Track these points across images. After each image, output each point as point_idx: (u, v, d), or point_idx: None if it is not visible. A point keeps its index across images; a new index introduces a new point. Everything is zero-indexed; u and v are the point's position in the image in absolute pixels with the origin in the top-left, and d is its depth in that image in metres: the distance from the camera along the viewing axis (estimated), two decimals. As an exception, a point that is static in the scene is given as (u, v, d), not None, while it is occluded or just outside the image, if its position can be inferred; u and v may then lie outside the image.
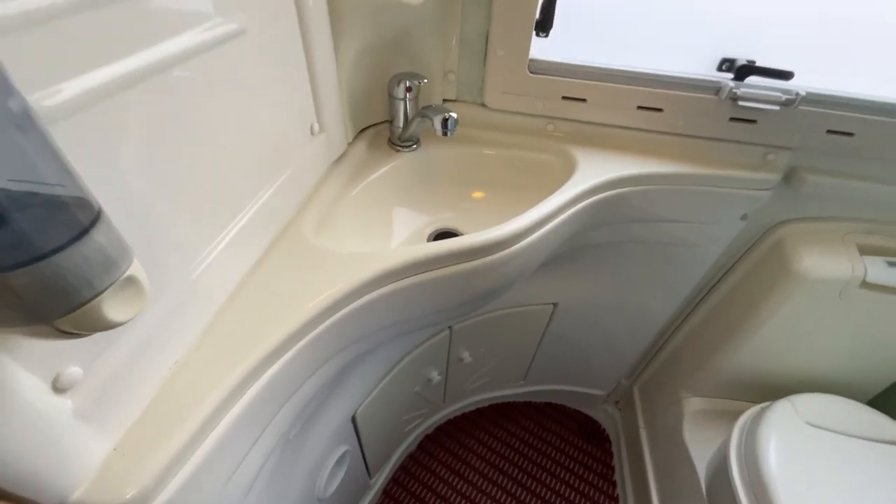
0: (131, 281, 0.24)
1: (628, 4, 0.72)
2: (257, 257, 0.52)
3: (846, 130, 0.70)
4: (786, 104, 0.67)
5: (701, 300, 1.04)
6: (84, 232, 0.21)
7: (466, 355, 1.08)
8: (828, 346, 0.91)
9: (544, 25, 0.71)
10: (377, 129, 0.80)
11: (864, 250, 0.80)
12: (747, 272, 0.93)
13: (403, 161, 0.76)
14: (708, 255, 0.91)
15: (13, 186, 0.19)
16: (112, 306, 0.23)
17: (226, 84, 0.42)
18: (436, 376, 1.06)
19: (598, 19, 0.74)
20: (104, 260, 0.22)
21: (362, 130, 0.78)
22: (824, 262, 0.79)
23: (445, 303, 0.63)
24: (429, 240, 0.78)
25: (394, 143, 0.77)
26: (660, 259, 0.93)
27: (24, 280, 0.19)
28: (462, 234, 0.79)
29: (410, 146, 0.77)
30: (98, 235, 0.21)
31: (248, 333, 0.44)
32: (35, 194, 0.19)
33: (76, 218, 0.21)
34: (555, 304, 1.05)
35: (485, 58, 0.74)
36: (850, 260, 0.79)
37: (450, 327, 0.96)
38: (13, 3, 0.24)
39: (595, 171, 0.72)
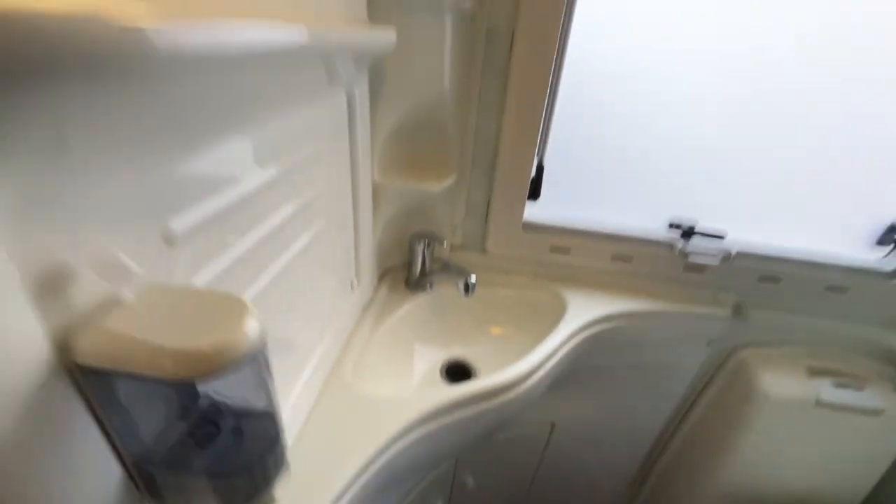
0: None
1: (601, 175, 0.92)
2: (311, 406, 0.59)
3: (774, 277, 0.89)
4: (724, 259, 0.86)
5: (682, 419, 1.13)
6: (280, 435, 0.30)
7: (470, 480, 1.09)
8: (804, 461, 0.99)
9: (534, 194, 0.90)
10: (395, 272, 0.93)
11: (813, 372, 0.94)
12: (719, 391, 1.04)
13: (419, 302, 0.88)
14: (684, 375, 1.02)
15: (251, 405, 0.29)
16: (277, 487, 0.31)
17: (306, 267, 0.54)
18: (440, 505, 1.05)
19: (577, 184, 0.93)
20: (283, 451, 0.31)
21: (384, 273, 0.91)
22: (782, 384, 0.92)
23: (464, 439, 0.70)
24: (441, 372, 0.86)
25: (410, 286, 0.90)
26: (643, 379, 1.03)
27: (240, 480, 0.28)
28: (470, 365, 0.88)
29: (425, 288, 0.90)
30: (284, 436, 0.30)
31: (308, 490, 0.49)
32: (261, 412, 0.29)
33: (276, 425, 0.30)
34: (552, 425, 1.11)
35: (486, 218, 0.91)
36: (802, 382, 0.92)
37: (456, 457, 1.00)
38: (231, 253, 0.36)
39: (583, 309, 0.86)
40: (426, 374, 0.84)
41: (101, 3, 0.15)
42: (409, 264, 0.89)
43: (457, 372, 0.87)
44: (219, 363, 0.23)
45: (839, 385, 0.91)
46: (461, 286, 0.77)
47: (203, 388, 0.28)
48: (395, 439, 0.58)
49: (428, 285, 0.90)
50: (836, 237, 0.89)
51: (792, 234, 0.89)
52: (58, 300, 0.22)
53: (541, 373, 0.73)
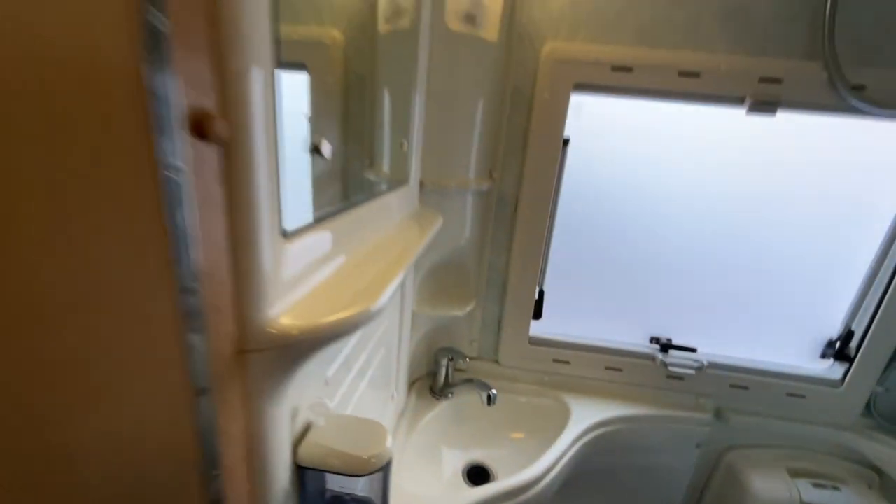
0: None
1: (591, 296, 1.13)
2: None
3: (742, 385, 1.05)
4: (698, 369, 1.03)
5: (688, 520, 1.19)
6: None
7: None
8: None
9: (537, 314, 1.10)
10: (421, 381, 1.09)
11: (793, 473, 1.05)
12: (716, 494, 1.13)
13: (443, 409, 1.03)
14: (681, 478, 1.12)
15: (367, 496, 0.44)
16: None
17: (369, 388, 0.71)
18: None
19: (572, 305, 1.14)
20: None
21: (413, 382, 1.07)
22: (768, 486, 1.02)
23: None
24: (463, 475, 0.97)
25: (435, 394, 1.05)
26: (645, 483, 1.13)
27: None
28: (488, 467, 0.99)
29: (447, 396, 1.05)
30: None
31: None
32: (373, 501, 0.45)
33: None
34: (564, 530, 1.16)
35: (499, 334, 1.10)
36: (785, 483, 1.03)
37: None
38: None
39: (584, 414, 1.00)
40: (452, 475, 0.95)
41: (354, 305, 0.36)
42: (435, 375, 1.05)
43: (477, 474, 0.98)
44: (373, 466, 0.40)
45: (817, 486, 1.02)
46: (484, 398, 0.93)
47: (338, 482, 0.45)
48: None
49: (450, 394, 1.05)
50: (789, 351, 1.07)
51: (753, 349, 1.08)
52: (294, 426, 0.40)
53: (552, 474, 0.85)
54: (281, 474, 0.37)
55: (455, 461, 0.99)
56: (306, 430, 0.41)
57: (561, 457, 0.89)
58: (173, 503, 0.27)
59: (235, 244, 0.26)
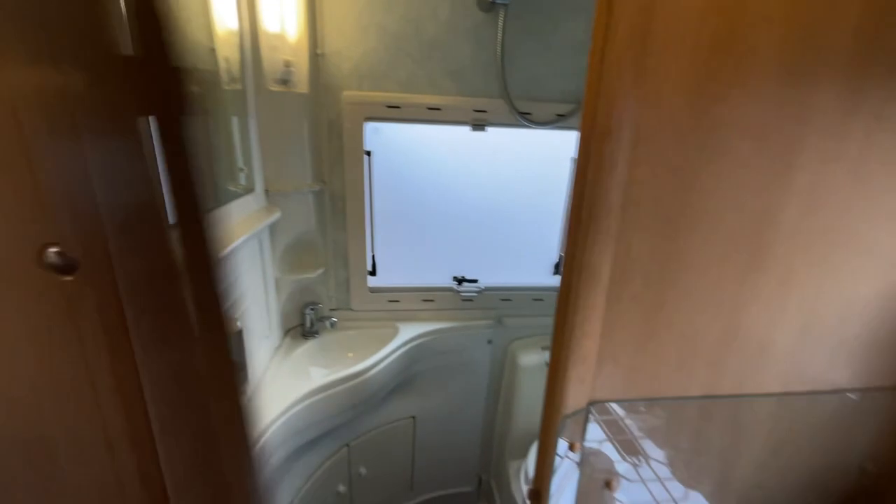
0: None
1: (412, 253, 1.64)
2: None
3: (508, 298, 1.65)
4: (479, 293, 1.60)
5: (497, 398, 1.80)
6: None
7: (363, 470, 1.60)
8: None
9: (373, 272, 1.58)
10: (294, 329, 1.51)
11: (543, 348, 1.69)
12: (508, 374, 1.74)
13: (310, 345, 1.47)
14: (484, 366, 1.71)
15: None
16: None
17: (251, 328, 1.12)
18: (342, 489, 1.54)
19: (396, 262, 1.64)
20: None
21: (288, 330, 1.49)
22: (529, 359, 1.64)
23: (337, 406, 1.27)
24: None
25: (304, 335, 1.48)
26: (461, 375, 1.69)
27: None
28: (347, 377, 1.46)
29: (314, 335, 1.49)
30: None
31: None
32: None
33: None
34: (414, 417, 1.69)
35: (348, 290, 1.56)
36: (539, 354, 1.66)
37: (347, 445, 1.52)
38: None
39: (408, 332, 1.52)
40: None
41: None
42: (303, 322, 1.49)
43: (338, 382, 1.44)
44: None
45: (555, 353, 1.67)
46: (329, 325, 1.40)
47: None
48: (296, 402, 1.14)
49: (315, 334, 1.50)
50: (539, 273, 1.70)
51: (516, 276, 1.69)
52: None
53: (376, 368, 1.35)
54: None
55: (318, 377, 1.45)
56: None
57: (384, 358, 1.39)
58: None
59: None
